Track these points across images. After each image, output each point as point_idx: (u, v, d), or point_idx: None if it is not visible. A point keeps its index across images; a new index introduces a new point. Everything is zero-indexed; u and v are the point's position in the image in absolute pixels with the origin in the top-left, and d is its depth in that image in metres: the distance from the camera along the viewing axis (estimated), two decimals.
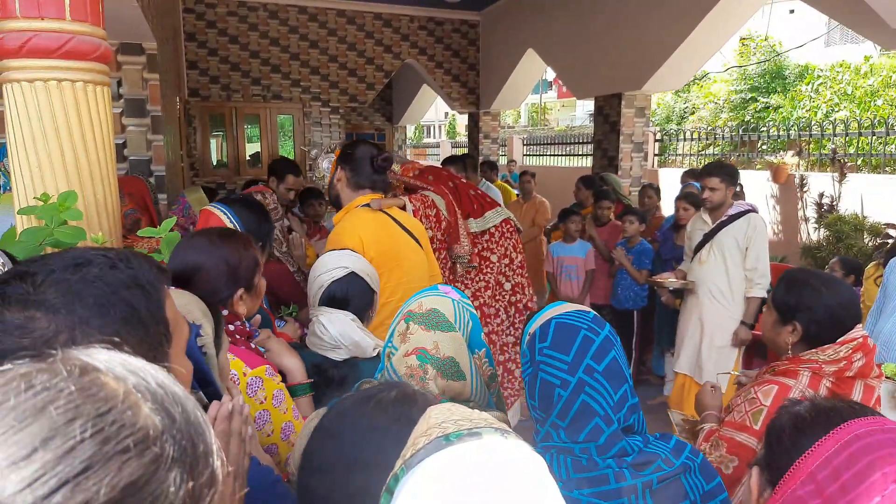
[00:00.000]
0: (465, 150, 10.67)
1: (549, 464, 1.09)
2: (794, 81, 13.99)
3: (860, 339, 1.63)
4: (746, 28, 14.53)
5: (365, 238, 2.17)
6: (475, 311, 1.35)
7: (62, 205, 1.59)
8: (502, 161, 11.90)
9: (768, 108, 13.61)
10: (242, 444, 0.92)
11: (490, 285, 3.19)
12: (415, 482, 0.54)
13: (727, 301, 3.66)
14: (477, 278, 3.16)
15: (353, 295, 1.72)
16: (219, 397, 1.03)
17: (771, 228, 6.30)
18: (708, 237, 3.72)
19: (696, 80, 17.41)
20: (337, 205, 2.46)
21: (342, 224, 2.28)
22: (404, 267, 2.26)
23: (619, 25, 6.38)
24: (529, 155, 12.39)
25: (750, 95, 14.16)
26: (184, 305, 1.05)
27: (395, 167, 3.27)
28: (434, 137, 29.73)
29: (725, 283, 3.64)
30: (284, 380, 1.51)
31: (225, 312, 1.41)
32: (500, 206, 3.27)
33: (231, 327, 1.43)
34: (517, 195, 6.75)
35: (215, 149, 8.96)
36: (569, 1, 7.16)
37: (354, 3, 8.67)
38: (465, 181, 3.35)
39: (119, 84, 3.49)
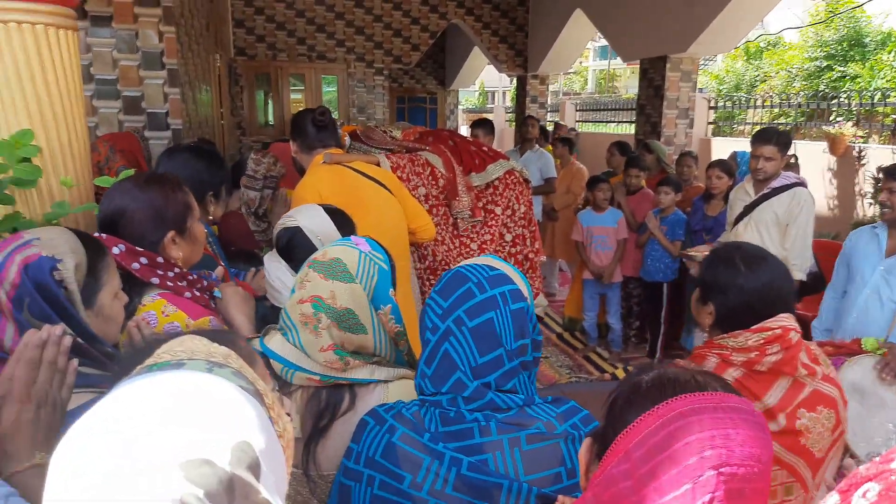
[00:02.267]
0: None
1: (422, 416, 1.06)
2: (874, 50, 13.00)
3: (777, 331, 1.41)
4: None
5: (323, 191, 2.14)
6: (386, 267, 1.29)
7: (18, 141, 1.60)
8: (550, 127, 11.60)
9: (845, 77, 12.71)
10: (58, 374, 0.92)
11: (495, 238, 3.16)
12: (95, 407, 0.52)
13: None
14: (482, 231, 3.14)
15: (292, 248, 1.68)
16: (85, 331, 1.03)
17: (825, 203, 5.92)
18: (748, 209, 3.49)
19: (769, 47, 16.46)
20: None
21: (301, 182, 2.28)
22: (372, 213, 2.22)
23: None
24: (582, 121, 12.03)
25: (826, 64, 13.25)
26: (49, 239, 1.05)
27: (396, 133, 3.23)
28: (497, 103, 29.30)
29: None
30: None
31: (160, 260, 1.41)
32: (504, 158, 3.18)
33: (171, 273, 1.42)
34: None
35: (261, 108, 9.07)
36: None
37: None
38: (467, 138, 3.28)
39: (136, 36, 3.53)
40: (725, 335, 1.47)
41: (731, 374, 1.44)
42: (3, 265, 1.02)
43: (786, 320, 1.43)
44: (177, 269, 1.44)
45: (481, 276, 1.09)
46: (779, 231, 3.35)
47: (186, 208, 1.47)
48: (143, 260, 1.36)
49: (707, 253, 3.58)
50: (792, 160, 3.58)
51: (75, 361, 0.97)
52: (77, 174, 1.88)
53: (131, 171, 1.93)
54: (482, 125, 5.16)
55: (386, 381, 1.26)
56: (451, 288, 1.10)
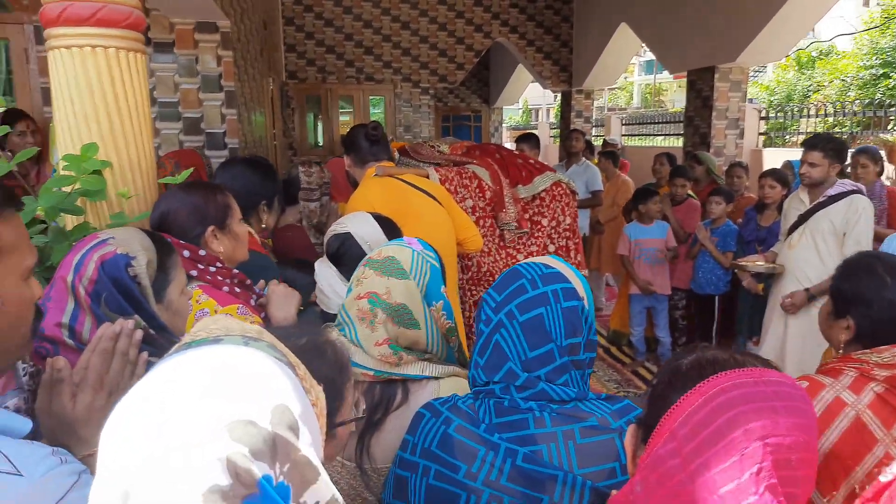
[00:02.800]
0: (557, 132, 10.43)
1: (476, 408, 1.08)
2: None
3: None
4: None
5: (374, 202, 2.21)
6: (437, 265, 1.33)
7: (84, 155, 1.72)
8: (598, 142, 11.54)
9: None
10: (129, 365, 0.99)
11: (541, 249, 3.19)
12: (139, 382, 0.55)
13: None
14: (529, 242, 3.17)
15: (342, 254, 1.74)
16: (156, 323, 1.11)
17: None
18: (802, 219, 3.40)
19: (822, 56, 16.03)
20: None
21: (354, 194, 2.36)
22: (422, 224, 2.28)
23: None
24: (628, 135, 11.94)
25: (882, 71, 12.83)
26: (123, 239, 1.13)
27: (444, 147, 3.30)
28: (542, 120, 29.32)
29: (816, 272, 3.26)
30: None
31: (203, 254, 1.50)
32: (550, 170, 3.21)
33: (212, 268, 1.51)
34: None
35: (311, 129, 9.32)
36: None
37: None
38: (513, 151, 3.33)
39: (196, 61, 3.72)
40: (867, 351, 1.38)
41: (871, 389, 1.34)
42: (82, 262, 1.10)
43: None
44: (218, 265, 1.54)
45: (535, 273, 1.12)
46: (836, 240, 3.25)
47: (226, 208, 1.60)
48: (186, 253, 1.47)
49: (760, 263, 3.54)
50: (845, 167, 3.47)
51: (146, 353, 1.03)
52: (144, 188, 2.00)
53: (190, 170, 2.05)
54: (528, 139, 5.19)
55: (438, 378, 1.29)
56: (506, 283, 1.13)
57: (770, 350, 3.51)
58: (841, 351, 1.47)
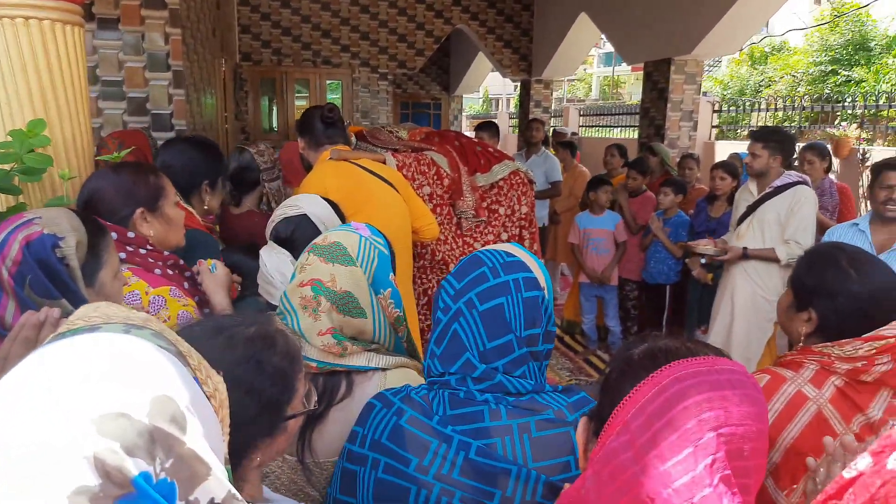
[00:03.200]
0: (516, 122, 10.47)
1: (430, 399, 1.05)
2: (880, 54, 12.99)
3: (892, 340, 1.28)
4: None
5: (328, 185, 2.16)
6: (386, 252, 1.30)
7: (31, 131, 1.63)
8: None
9: (850, 81, 12.71)
10: None
11: (497, 237, 3.18)
12: (8, 373, 0.50)
13: (761, 280, 3.42)
14: (486, 231, 3.16)
15: (297, 237, 1.69)
16: None
17: None
18: (750, 209, 3.49)
19: (774, 52, 16.46)
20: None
21: (307, 178, 2.31)
22: (376, 209, 2.24)
23: None
24: (585, 126, 12.05)
25: (830, 68, 13.25)
26: (51, 218, 1.07)
27: (403, 133, 3.25)
28: (501, 109, 29.37)
29: (762, 262, 3.38)
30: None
31: (131, 235, 1.44)
32: (509, 159, 3.20)
33: (142, 251, 1.45)
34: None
35: (266, 113, 9.12)
36: None
37: None
38: (473, 139, 3.30)
39: (143, 38, 3.57)
40: (829, 344, 1.35)
41: (832, 383, 1.33)
42: (5, 242, 1.04)
43: None
44: (149, 247, 1.48)
45: (497, 261, 1.09)
46: (780, 230, 3.34)
47: (158, 189, 1.53)
48: (113, 235, 1.39)
49: (709, 247, 3.62)
50: (788, 159, 3.56)
51: None
52: (81, 168, 1.90)
53: (130, 150, 1.97)
54: (487, 127, 5.17)
55: (384, 369, 1.26)
56: (466, 271, 1.10)
57: (716, 337, 3.60)
58: (801, 343, 1.43)
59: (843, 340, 1.32)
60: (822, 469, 1.01)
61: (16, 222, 1.08)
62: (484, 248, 1.16)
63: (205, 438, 0.51)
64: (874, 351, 1.28)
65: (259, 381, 0.88)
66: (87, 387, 0.46)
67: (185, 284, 1.49)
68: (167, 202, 1.53)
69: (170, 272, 1.48)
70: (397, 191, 2.40)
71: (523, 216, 3.22)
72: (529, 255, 1.12)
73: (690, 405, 0.65)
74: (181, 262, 1.52)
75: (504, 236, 3.19)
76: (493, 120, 6.69)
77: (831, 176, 5.55)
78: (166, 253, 1.48)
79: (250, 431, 0.87)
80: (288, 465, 1.20)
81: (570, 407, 1.05)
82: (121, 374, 0.48)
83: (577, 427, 0.81)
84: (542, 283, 1.10)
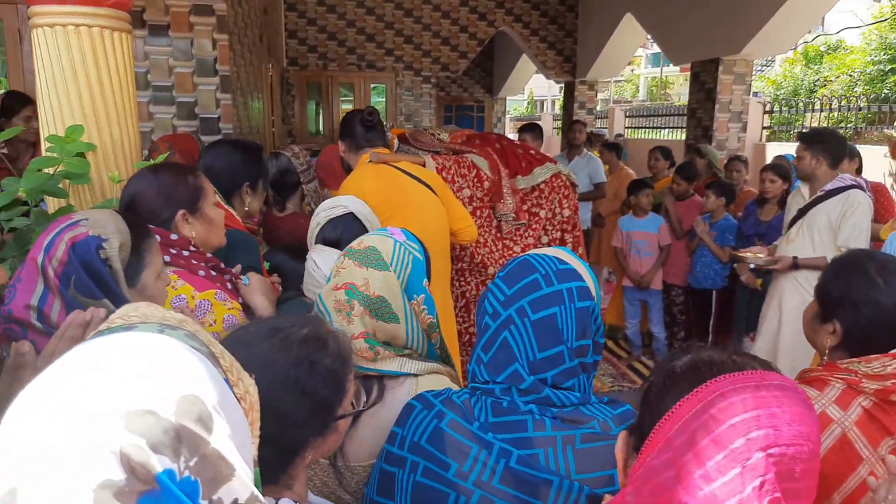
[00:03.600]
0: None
1: (472, 405, 1.04)
2: None
3: None
4: None
5: (366, 188, 2.17)
6: (421, 258, 1.29)
7: (69, 136, 1.68)
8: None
9: None
10: None
11: (538, 241, 3.15)
12: (49, 367, 0.52)
13: (811, 287, 3.28)
14: (526, 234, 3.13)
15: (346, 237, 1.70)
16: None
17: None
18: (801, 213, 3.37)
19: (830, 50, 15.90)
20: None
21: (347, 180, 2.33)
22: (414, 212, 2.24)
23: None
24: (632, 127, 11.85)
25: (889, 67, 12.72)
26: (97, 220, 1.10)
27: (444, 136, 3.25)
28: (546, 111, 29.20)
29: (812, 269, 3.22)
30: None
31: (174, 237, 1.46)
32: (551, 161, 3.17)
33: (186, 253, 1.47)
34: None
35: (312, 116, 9.27)
36: None
37: None
38: (514, 142, 3.29)
39: (191, 44, 3.66)
40: (855, 360, 1.27)
41: (859, 404, 1.25)
42: (52, 243, 1.07)
43: None
44: (192, 248, 1.50)
45: (550, 268, 1.06)
46: (831, 235, 3.21)
47: (198, 190, 1.54)
48: (157, 238, 1.42)
49: (760, 255, 3.50)
50: (835, 161, 3.41)
51: None
52: (129, 171, 1.96)
53: (165, 155, 2.02)
54: (531, 129, 5.14)
55: (416, 375, 1.25)
56: (518, 276, 1.07)
57: (763, 345, 3.49)
58: (825, 357, 1.35)
59: (871, 356, 1.24)
60: (882, 490, 0.96)
61: (64, 223, 1.12)
62: (533, 251, 1.13)
63: (231, 439, 0.51)
64: None
65: (312, 382, 0.89)
66: (116, 384, 0.47)
67: (228, 286, 1.51)
68: (207, 203, 1.55)
69: (213, 273, 1.50)
70: (435, 193, 2.39)
71: (565, 219, 3.18)
72: (580, 262, 1.10)
73: (738, 423, 0.62)
74: (222, 265, 1.54)
75: (545, 239, 3.16)
76: (537, 122, 6.64)
77: (888, 177, 5.32)
78: (209, 255, 1.51)
79: (304, 431, 0.89)
80: (320, 467, 1.20)
81: (616, 419, 1.02)
82: (150, 373, 0.49)
83: (617, 441, 0.78)
84: (594, 291, 1.08)
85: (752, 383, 0.65)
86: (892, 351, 1.23)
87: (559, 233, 3.16)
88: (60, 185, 1.74)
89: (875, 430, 1.22)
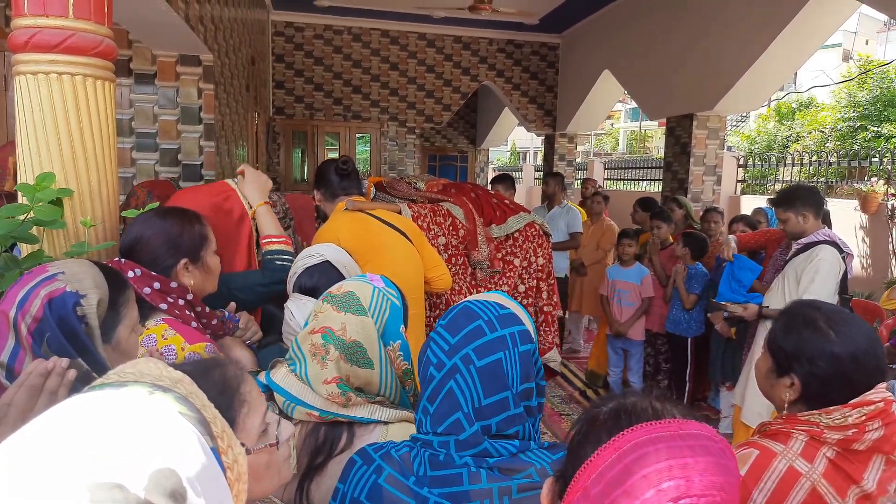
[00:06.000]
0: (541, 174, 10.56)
1: (411, 458, 1.04)
2: None
3: (880, 405, 1.21)
4: (857, 52, 13.58)
5: (342, 236, 2.19)
6: (399, 304, 1.30)
7: (39, 184, 1.69)
8: (577, 185, 11.66)
9: (879, 137, 12.60)
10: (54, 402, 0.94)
11: (512, 288, 3.18)
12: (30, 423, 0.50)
13: None
14: (501, 282, 3.16)
15: (322, 284, 1.71)
16: (101, 366, 1.05)
17: (859, 263, 5.78)
18: (781, 267, 3.48)
19: (802, 107, 16.44)
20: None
21: (322, 227, 2.35)
22: (389, 260, 2.26)
23: (692, 45, 6.15)
24: (611, 179, 12.09)
25: (859, 124, 13.18)
26: (74, 274, 1.09)
27: (421, 184, 3.32)
28: (528, 162, 29.74)
29: None
30: None
31: (174, 285, 1.46)
32: (525, 211, 3.23)
33: (181, 302, 1.46)
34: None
35: (297, 164, 9.37)
36: (645, 21, 7.00)
37: (436, 26, 8.85)
38: (489, 191, 3.35)
39: (177, 93, 3.74)
40: (815, 412, 1.27)
41: (824, 455, 1.26)
42: (27, 298, 1.04)
43: (886, 392, 1.24)
44: (189, 297, 1.49)
45: (491, 314, 1.06)
46: (797, 287, 3.29)
47: (202, 239, 1.54)
48: (156, 285, 1.42)
49: (737, 305, 3.56)
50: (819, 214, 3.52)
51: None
52: (105, 217, 1.97)
53: (156, 204, 2.03)
54: (503, 180, 5.25)
55: (386, 423, 1.24)
56: (460, 324, 1.06)
57: (738, 388, 3.52)
58: (785, 411, 1.35)
59: (831, 408, 1.25)
60: None
61: (39, 276, 1.09)
62: (471, 297, 1.14)
63: None
64: (864, 418, 1.22)
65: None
66: (89, 451, 0.45)
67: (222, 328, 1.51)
68: (208, 252, 1.55)
69: (202, 324, 1.50)
70: (411, 241, 2.42)
71: (539, 267, 3.22)
72: (516, 304, 1.12)
73: (650, 473, 0.62)
74: (207, 309, 1.53)
75: (521, 287, 3.19)
76: (509, 173, 6.83)
77: (858, 230, 5.45)
78: (203, 307, 1.49)
79: None
80: None
81: (555, 465, 1.01)
82: (127, 440, 0.47)
83: (543, 488, 0.77)
84: (533, 335, 1.09)
85: (668, 433, 0.66)
86: (851, 401, 1.24)
87: (535, 280, 3.20)
88: (32, 231, 1.75)
89: (841, 479, 1.23)
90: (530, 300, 3.22)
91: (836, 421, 1.24)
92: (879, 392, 1.23)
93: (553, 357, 3.23)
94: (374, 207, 2.47)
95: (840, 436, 1.23)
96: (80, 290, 1.07)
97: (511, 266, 3.16)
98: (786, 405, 1.34)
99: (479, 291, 3.10)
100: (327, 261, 1.83)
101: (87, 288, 1.09)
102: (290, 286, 1.85)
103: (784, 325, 1.36)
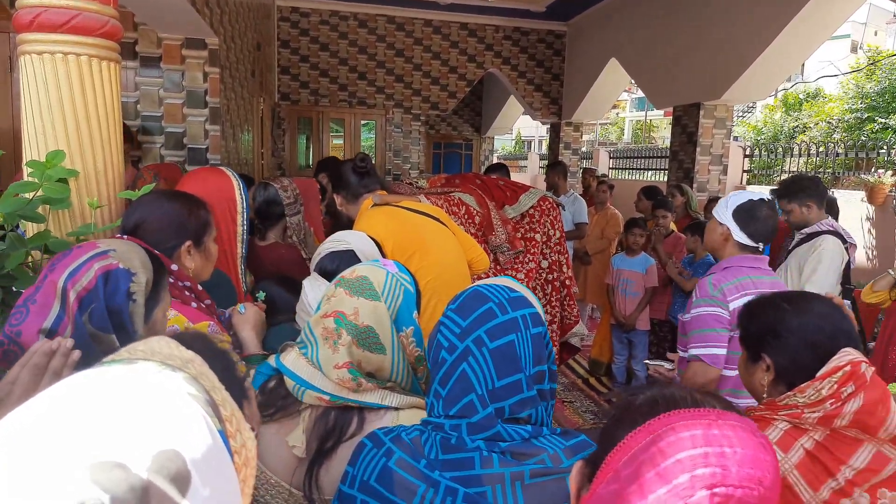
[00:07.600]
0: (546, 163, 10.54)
1: (422, 442, 1.04)
2: None
3: (847, 368, 1.20)
4: (866, 43, 13.46)
5: (381, 231, 2.12)
6: (412, 290, 1.28)
7: (49, 162, 1.69)
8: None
9: (887, 128, 12.51)
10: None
11: (536, 266, 3.18)
12: (34, 398, 0.49)
13: None
14: (525, 260, 3.15)
15: (342, 269, 1.70)
16: None
17: (864, 253, 5.76)
18: (787, 255, 3.47)
19: (809, 98, 16.33)
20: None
21: (356, 227, 2.28)
22: (433, 251, 2.21)
23: (700, 34, 6.10)
24: (616, 168, 12.05)
25: (867, 115, 13.08)
26: (123, 252, 1.10)
27: (422, 182, 3.31)
28: (533, 150, 29.66)
29: None
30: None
31: (175, 268, 1.46)
32: (532, 188, 3.23)
33: (181, 284, 1.47)
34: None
35: (302, 150, 9.35)
36: (652, 10, 6.94)
37: (443, 13, 8.79)
38: (490, 176, 3.35)
39: (182, 76, 3.73)
40: (791, 393, 1.28)
41: (801, 445, 1.25)
42: (79, 269, 1.05)
43: (853, 353, 1.25)
44: (188, 282, 1.49)
45: (502, 297, 1.06)
46: (800, 277, 3.29)
47: (206, 224, 1.54)
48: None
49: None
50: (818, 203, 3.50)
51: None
52: (110, 197, 1.97)
53: (152, 185, 2.03)
54: (498, 169, 5.21)
55: (397, 409, 1.23)
56: (471, 307, 1.06)
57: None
58: (765, 396, 1.36)
59: (802, 386, 1.26)
60: None
61: (91, 251, 1.10)
62: (479, 282, 1.13)
63: (211, 500, 0.47)
64: (835, 386, 1.22)
65: None
66: (92, 428, 0.44)
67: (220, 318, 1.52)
68: (210, 237, 1.55)
69: (203, 306, 1.50)
70: (446, 226, 2.38)
71: (557, 241, 3.22)
72: (525, 289, 1.11)
73: (685, 458, 0.60)
74: (209, 301, 1.54)
75: (545, 263, 3.18)
76: (503, 162, 6.89)
77: (864, 221, 5.42)
78: (200, 289, 1.49)
79: None
80: (295, 499, 1.19)
81: (568, 451, 1.01)
82: (132, 420, 0.46)
83: (573, 470, 0.76)
84: (544, 318, 1.08)
85: (705, 420, 0.64)
86: (819, 373, 1.25)
87: (556, 255, 3.19)
88: (38, 211, 1.75)
89: (818, 471, 1.22)
90: (555, 275, 3.21)
91: (812, 397, 1.24)
92: (844, 356, 1.24)
93: (580, 330, 3.23)
94: (399, 200, 2.42)
95: (819, 412, 1.23)
96: (131, 269, 1.08)
97: (533, 242, 3.14)
98: (765, 390, 1.37)
99: (506, 275, 3.09)
100: (352, 250, 1.81)
101: (137, 267, 1.10)
102: (312, 265, 1.85)
103: (748, 314, 1.43)
